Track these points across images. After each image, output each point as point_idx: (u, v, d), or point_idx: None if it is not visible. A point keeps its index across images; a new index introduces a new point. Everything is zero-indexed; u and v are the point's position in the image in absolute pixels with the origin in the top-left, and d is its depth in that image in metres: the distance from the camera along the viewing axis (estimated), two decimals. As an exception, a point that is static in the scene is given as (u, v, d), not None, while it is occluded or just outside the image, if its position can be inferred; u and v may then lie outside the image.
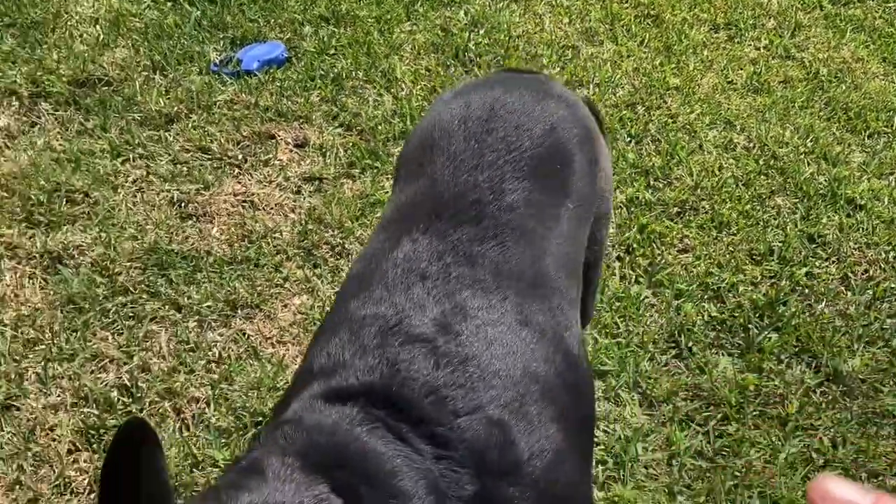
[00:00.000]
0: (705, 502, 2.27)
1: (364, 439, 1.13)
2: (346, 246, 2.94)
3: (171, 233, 2.96)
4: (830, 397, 2.56)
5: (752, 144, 3.54)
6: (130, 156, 3.25)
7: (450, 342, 1.26)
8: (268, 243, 2.93)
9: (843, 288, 2.93)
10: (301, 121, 3.49)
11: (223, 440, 2.34)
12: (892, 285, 2.94)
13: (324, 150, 3.34)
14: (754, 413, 2.48)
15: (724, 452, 2.39)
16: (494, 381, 1.24)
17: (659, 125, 3.55)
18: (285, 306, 2.75)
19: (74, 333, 2.60)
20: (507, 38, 4.00)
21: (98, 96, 3.46)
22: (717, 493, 2.27)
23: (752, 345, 2.65)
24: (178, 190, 3.14)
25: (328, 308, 2.54)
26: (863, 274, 2.99)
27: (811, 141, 3.55)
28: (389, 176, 3.18)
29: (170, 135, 3.37)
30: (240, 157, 3.31)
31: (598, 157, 1.70)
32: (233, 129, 3.41)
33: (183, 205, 3.09)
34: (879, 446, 2.43)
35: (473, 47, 3.93)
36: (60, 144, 3.24)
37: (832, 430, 2.46)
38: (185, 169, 3.24)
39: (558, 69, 3.85)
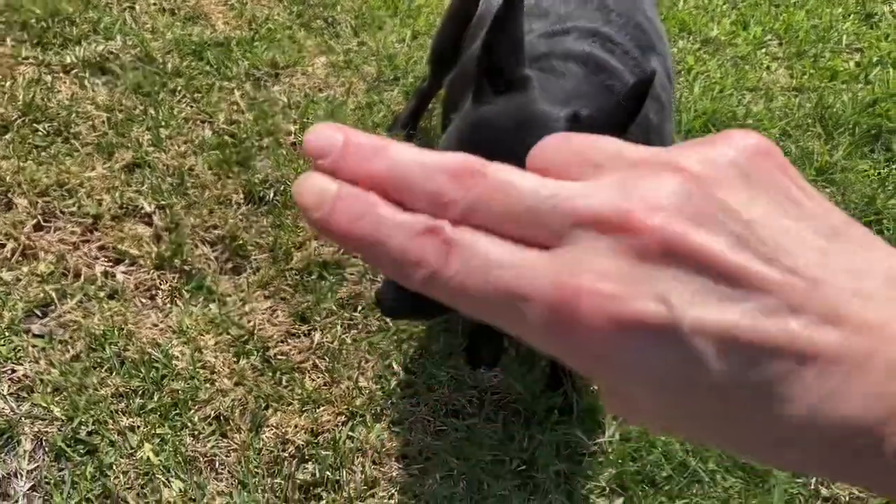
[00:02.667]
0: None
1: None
2: (336, 17, 3.51)
3: (185, 30, 3.34)
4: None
5: None
6: (100, -18, 3.50)
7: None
8: (272, 24, 3.42)
9: None
10: (236, -64, 3.89)
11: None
12: None
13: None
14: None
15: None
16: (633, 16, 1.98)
17: None
18: (313, 65, 3.30)
19: (159, 108, 2.99)
20: None
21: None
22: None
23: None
24: (164, 1, 3.48)
25: (346, 59, 3.15)
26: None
27: None
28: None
29: (123, -38, 3.64)
30: (199, -30, 3.68)
31: None
32: (180, -51, 3.74)
33: (175, 12, 3.45)
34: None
35: None
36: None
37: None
38: (156, -14, 3.56)
39: None
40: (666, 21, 3.62)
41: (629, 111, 1.34)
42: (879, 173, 3.02)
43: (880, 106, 3.25)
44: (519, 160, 1.19)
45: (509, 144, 1.36)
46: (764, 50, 3.53)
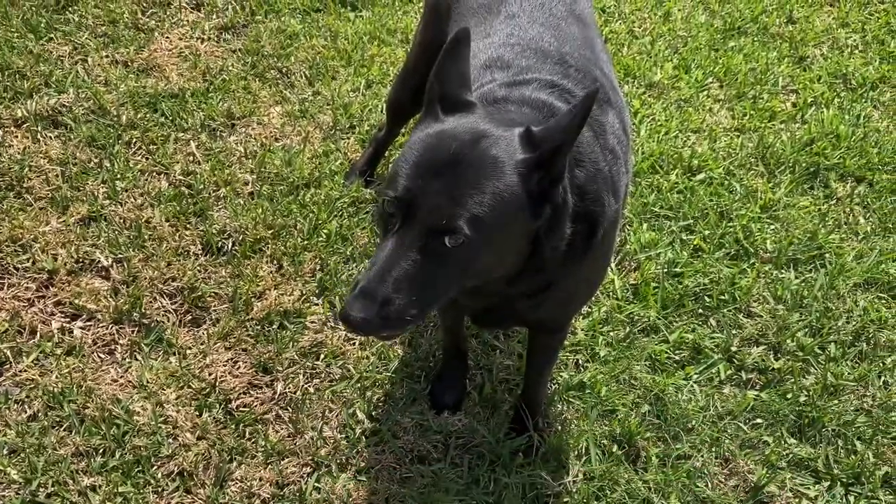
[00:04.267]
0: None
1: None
2: (290, 68, 3.55)
3: (139, 82, 3.35)
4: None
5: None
6: (50, 36, 3.50)
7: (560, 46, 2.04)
8: (226, 75, 3.45)
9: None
10: (188, -12, 3.93)
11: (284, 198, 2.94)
12: (661, 30, 4.21)
13: (221, 7, 3.84)
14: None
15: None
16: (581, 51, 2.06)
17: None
18: (269, 115, 3.33)
19: (114, 160, 2.98)
20: None
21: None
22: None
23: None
24: (116, 54, 3.49)
25: (301, 109, 3.19)
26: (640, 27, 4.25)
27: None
28: (295, 16, 3.80)
29: (74, 16, 3.65)
30: (152, 23, 3.70)
31: None
32: (132, 2, 3.76)
33: (129, 64, 3.46)
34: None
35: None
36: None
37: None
38: (108, 40, 3.57)
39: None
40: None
41: (578, 119, 1.44)
42: (819, 209, 3.15)
43: (817, 144, 3.39)
44: (474, 168, 1.24)
45: (466, 153, 1.47)
46: (706, 92, 3.67)
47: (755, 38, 4.07)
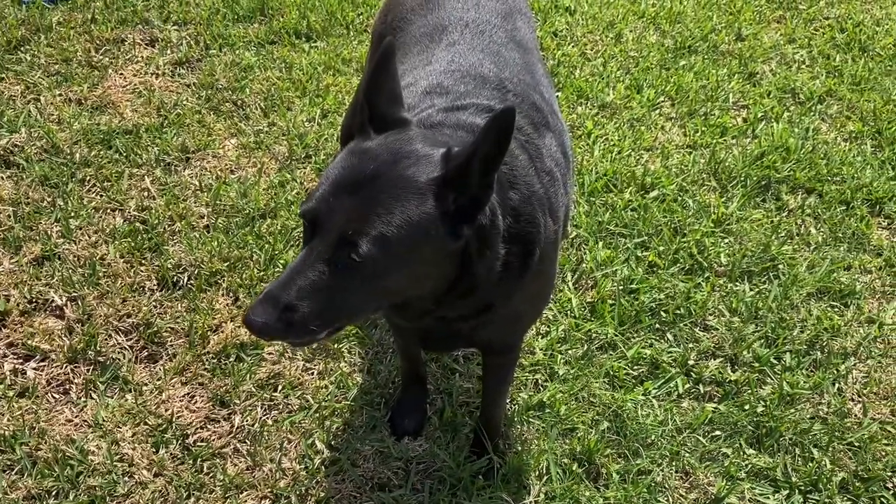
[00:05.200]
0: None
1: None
2: (245, 100, 3.57)
3: (92, 120, 3.34)
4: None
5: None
6: (1, 76, 3.49)
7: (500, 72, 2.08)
8: (181, 109, 3.46)
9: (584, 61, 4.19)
10: (141, 24, 3.94)
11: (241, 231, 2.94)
12: (612, 52, 4.29)
13: (175, 42, 3.86)
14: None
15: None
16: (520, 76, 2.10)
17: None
18: (224, 147, 3.34)
19: (67, 198, 2.97)
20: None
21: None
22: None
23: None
24: (70, 92, 3.49)
25: (256, 140, 3.21)
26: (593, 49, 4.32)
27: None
28: (249, 49, 3.83)
29: (27, 56, 3.64)
30: (105, 60, 3.71)
31: None
32: (85, 41, 3.77)
33: (83, 102, 3.46)
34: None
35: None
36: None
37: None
38: (61, 78, 3.57)
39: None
40: (564, 89, 3.80)
41: (497, 142, 1.43)
42: (772, 221, 3.20)
43: (768, 158, 3.46)
44: (387, 187, 1.40)
45: (382, 171, 1.49)
46: (658, 111, 3.73)
47: (705, 56, 4.16)
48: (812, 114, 3.82)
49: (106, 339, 2.55)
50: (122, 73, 3.63)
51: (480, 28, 2.20)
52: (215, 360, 2.53)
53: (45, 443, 2.26)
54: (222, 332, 2.59)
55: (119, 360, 2.51)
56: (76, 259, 2.76)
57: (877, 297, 2.99)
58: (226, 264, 2.77)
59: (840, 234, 3.19)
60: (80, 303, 2.63)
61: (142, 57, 3.74)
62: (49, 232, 2.84)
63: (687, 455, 2.44)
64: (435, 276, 1.61)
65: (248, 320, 1.47)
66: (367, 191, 1.48)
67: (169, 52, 3.79)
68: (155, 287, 2.72)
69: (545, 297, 2.09)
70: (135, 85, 3.57)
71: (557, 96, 3.77)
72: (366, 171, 1.50)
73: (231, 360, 2.53)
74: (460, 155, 1.48)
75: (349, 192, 1.48)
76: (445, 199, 1.50)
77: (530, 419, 2.49)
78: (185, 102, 3.49)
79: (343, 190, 1.49)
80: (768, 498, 2.37)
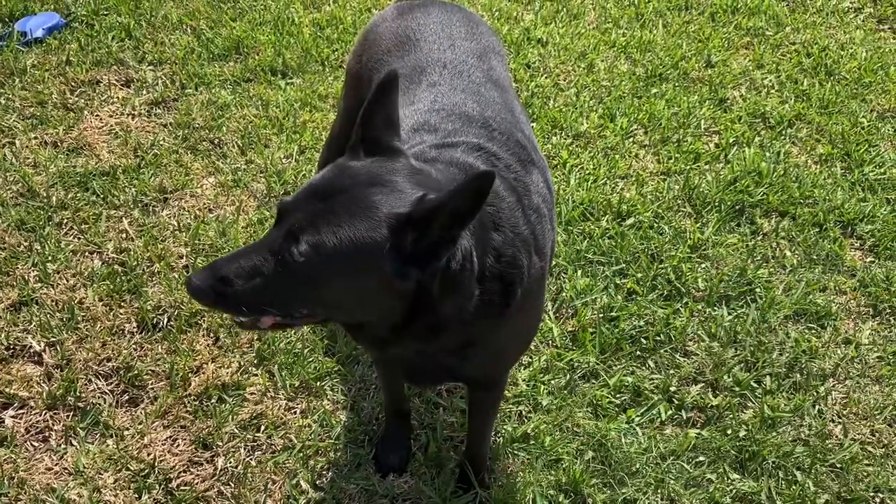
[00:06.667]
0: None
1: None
2: (222, 138, 3.58)
3: (69, 162, 3.34)
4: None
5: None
6: (-25, 120, 3.49)
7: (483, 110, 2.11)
8: (158, 150, 3.46)
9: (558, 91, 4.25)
10: (116, 65, 3.95)
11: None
12: (585, 81, 4.34)
13: (151, 82, 3.87)
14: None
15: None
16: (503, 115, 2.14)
17: None
18: (202, 186, 3.34)
19: (44, 242, 2.95)
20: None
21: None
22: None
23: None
24: (45, 135, 3.48)
25: (234, 178, 3.22)
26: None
27: (496, 10, 4.83)
28: (225, 88, 3.85)
29: (1, 100, 3.64)
30: (81, 102, 3.71)
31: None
32: (60, 83, 3.77)
33: (59, 144, 3.45)
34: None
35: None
36: None
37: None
38: (36, 121, 3.56)
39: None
40: (539, 120, 3.85)
41: (471, 202, 1.45)
42: (747, 245, 3.25)
43: (741, 182, 3.51)
44: (349, 205, 1.45)
45: (352, 190, 1.52)
46: (631, 139, 3.78)
47: (676, 84, 4.22)
48: (783, 138, 3.89)
49: (86, 384, 2.53)
50: (97, 115, 3.63)
51: (458, 68, 2.24)
52: (197, 402, 2.51)
53: (25, 493, 2.24)
54: (203, 373, 2.58)
55: (99, 404, 2.49)
56: (54, 303, 2.74)
57: (852, 317, 3.03)
58: (206, 304, 2.76)
59: (815, 256, 3.23)
60: (58, 348, 2.60)
61: (117, 98, 3.75)
62: (26, 277, 2.82)
63: (672, 482, 2.45)
64: (379, 307, 1.61)
65: (187, 280, 1.56)
66: (331, 201, 1.52)
67: (145, 92, 3.79)
68: (135, 329, 2.71)
69: (531, 333, 2.10)
70: (111, 126, 3.57)
71: (533, 127, 3.82)
72: (339, 185, 1.55)
73: (213, 401, 2.52)
74: (431, 200, 1.50)
75: (318, 199, 1.54)
76: (402, 236, 1.50)
77: (515, 451, 2.50)
78: (161, 142, 3.49)
79: (314, 196, 1.55)
80: (754, 523, 2.38)
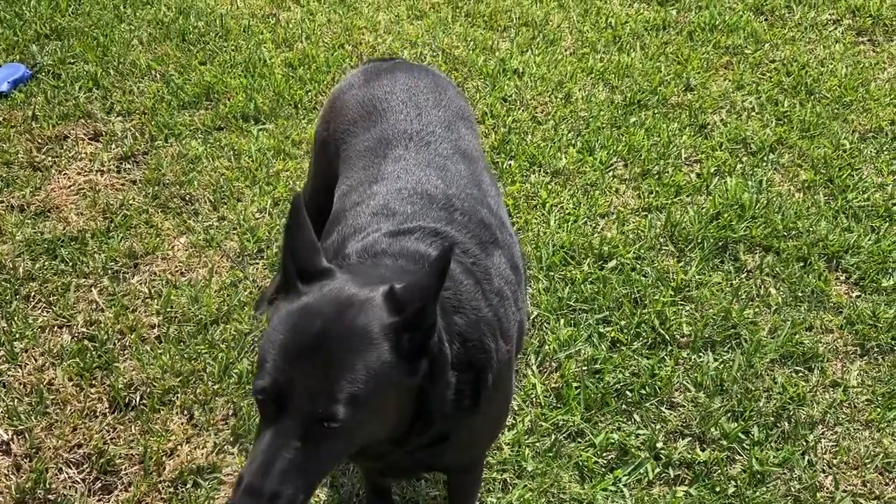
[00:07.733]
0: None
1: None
2: (193, 194, 3.51)
3: (36, 228, 3.26)
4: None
5: (436, 54, 4.66)
6: (-60, 186, 3.41)
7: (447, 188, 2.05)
8: (127, 210, 3.39)
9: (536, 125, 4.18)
10: (84, 118, 3.88)
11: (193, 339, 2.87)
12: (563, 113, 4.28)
13: (120, 135, 3.79)
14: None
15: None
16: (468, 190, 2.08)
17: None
18: (173, 248, 3.27)
19: (11, 319, 2.88)
20: (214, 18, 4.68)
21: None
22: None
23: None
24: (12, 198, 3.41)
25: (206, 237, 3.16)
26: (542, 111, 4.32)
27: (471, 41, 4.78)
28: (196, 138, 3.77)
29: (-35, 161, 3.56)
30: (48, 160, 3.63)
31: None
32: (26, 140, 3.69)
33: (25, 208, 3.38)
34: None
35: (193, 29, 4.55)
36: None
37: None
38: (2, 183, 3.49)
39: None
40: (516, 157, 3.78)
41: (436, 277, 1.43)
42: (731, 283, 3.19)
43: (723, 217, 3.45)
44: (342, 344, 1.24)
45: (331, 328, 1.45)
46: (611, 173, 3.72)
47: (656, 111, 4.16)
48: (765, 164, 3.83)
49: (56, 474, 2.47)
50: (65, 173, 3.56)
51: (425, 140, 2.17)
52: (172, 489, 2.45)
53: None
54: (178, 455, 2.51)
55: (71, 495, 2.43)
56: (22, 386, 2.67)
57: (840, 357, 2.98)
58: (178, 379, 2.70)
59: (800, 293, 3.18)
60: (27, 436, 2.54)
61: (86, 153, 3.67)
62: (-7, 357, 2.75)
63: (661, 549, 2.40)
64: (399, 417, 1.59)
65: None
66: (322, 353, 1.44)
67: (113, 146, 3.72)
68: (106, 410, 2.64)
69: (502, 418, 2.05)
70: (79, 185, 3.50)
71: (510, 165, 3.76)
72: (314, 330, 1.46)
73: (188, 486, 2.45)
74: (414, 298, 1.46)
75: (303, 359, 1.44)
76: (400, 341, 1.48)
77: (500, 524, 2.44)
78: (131, 202, 3.42)
79: (297, 356, 1.45)
80: (746, 590, 2.33)
